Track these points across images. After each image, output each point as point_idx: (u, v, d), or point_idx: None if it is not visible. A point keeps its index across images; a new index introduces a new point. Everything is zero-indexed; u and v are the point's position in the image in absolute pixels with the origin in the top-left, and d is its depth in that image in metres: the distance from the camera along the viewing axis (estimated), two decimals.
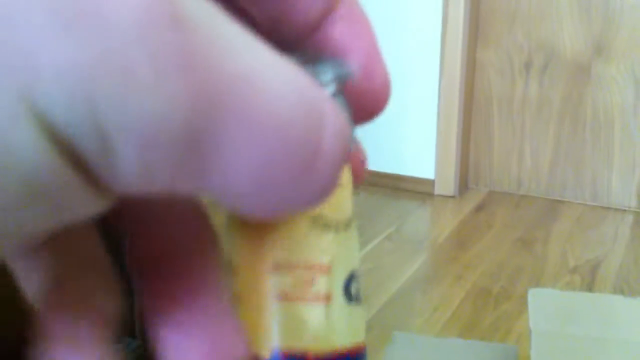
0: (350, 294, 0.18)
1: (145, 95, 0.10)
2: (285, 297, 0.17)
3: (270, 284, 0.17)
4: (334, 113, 0.13)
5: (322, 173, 0.13)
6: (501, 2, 2.12)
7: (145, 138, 0.10)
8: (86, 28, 0.10)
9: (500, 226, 2.00)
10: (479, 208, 2.15)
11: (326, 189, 0.13)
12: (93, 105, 0.10)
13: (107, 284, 0.15)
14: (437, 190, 2.23)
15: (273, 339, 0.17)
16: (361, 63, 0.16)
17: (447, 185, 2.22)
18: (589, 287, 1.61)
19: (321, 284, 0.18)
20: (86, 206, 0.11)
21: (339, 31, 0.16)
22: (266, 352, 0.17)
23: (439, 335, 1.42)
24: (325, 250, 0.18)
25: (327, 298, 0.18)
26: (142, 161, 0.11)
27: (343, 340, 0.18)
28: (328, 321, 0.18)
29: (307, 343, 0.17)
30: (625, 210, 2.09)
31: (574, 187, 2.17)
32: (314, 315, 0.18)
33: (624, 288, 1.61)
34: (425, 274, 1.72)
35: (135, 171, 0.11)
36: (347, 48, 0.16)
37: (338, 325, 0.18)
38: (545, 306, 0.68)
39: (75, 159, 0.10)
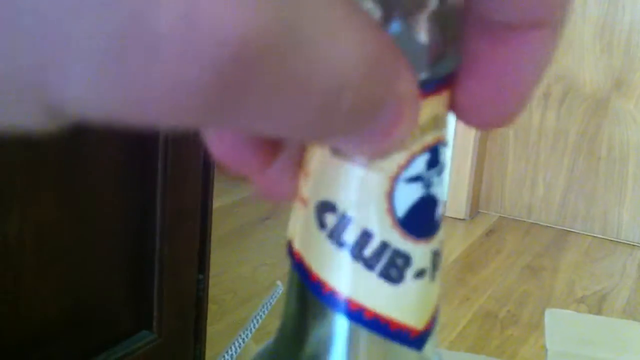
0: (322, 222, 0.17)
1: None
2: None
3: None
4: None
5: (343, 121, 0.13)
6: None
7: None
8: None
9: (509, 252, 2.01)
10: (489, 233, 2.16)
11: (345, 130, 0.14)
12: None
13: None
14: (449, 212, 2.24)
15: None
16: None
17: (458, 208, 2.24)
18: None
19: (304, 189, 0.18)
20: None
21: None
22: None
23: None
24: (311, 169, 0.17)
25: (304, 201, 0.18)
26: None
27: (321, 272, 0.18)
28: (305, 233, 0.18)
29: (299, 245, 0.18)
30: (634, 246, 2.10)
31: (584, 219, 2.19)
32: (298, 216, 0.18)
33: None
34: None
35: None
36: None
37: (316, 251, 0.18)
38: (561, 327, 0.69)
39: None
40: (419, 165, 0.17)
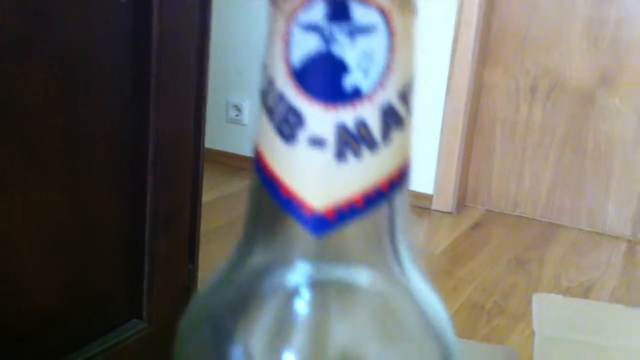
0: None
1: None
2: None
3: None
4: None
5: None
6: (512, 27, 2.16)
7: None
8: None
9: (495, 245, 2.03)
10: (476, 226, 2.17)
11: None
12: None
13: None
14: (435, 205, 2.26)
15: None
16: None
17: (445, 202, 2.25)
18: None
19: None
20: None
21: None
22: None
23: None
24: None
25: None
26: None
27: None
28: None
29: None
30: (619, 238, 2.13)
31: (570, 212, 2.21)
32: None
33: None
34: None
35: None
36: None
37: None
38: (549, 311, 0.70)
39: None
40: (316, 12, 0.16)
